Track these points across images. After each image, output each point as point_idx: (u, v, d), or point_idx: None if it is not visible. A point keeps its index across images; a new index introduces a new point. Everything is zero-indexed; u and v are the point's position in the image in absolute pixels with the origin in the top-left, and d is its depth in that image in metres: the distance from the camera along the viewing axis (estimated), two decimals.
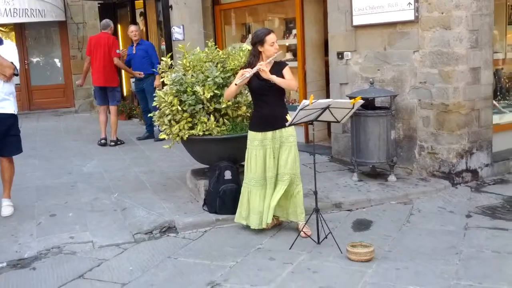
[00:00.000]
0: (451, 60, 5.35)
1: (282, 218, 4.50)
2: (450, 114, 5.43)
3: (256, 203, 4.31)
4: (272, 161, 4.27)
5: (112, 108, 8.42)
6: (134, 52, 8.50)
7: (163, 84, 5.20)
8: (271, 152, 4.27)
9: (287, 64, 4.40)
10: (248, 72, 4.20)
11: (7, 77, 4.75)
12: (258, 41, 4.25)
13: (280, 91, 4.30)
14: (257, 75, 4.22)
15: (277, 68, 4.28)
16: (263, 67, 4.13)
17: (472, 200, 5.11)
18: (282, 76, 4.23)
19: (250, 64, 4.29)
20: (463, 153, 5.52)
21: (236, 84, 4.28)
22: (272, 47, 4.22)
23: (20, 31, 12.48)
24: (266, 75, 4.13)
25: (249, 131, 4.39)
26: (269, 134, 4.26)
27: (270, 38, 4.22)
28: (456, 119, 5.44)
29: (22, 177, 6.06)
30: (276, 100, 4.30)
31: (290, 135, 4.27)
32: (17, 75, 4.87)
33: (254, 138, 4.31)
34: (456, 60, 5.34)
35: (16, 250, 4.14)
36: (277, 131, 4.25)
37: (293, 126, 4.25)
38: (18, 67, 4.85)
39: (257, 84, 4.27)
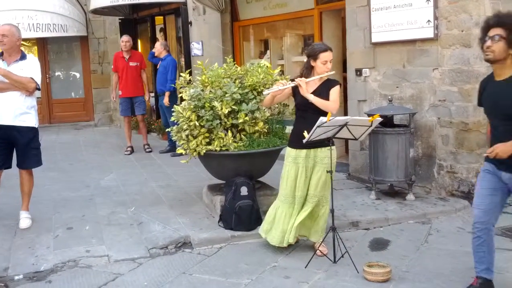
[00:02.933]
0: (471, 78, 5.30)
1: (302, 236, 4.42)
2: (470, 132, 5.36)
3: (281, 220, 4.23)
4: (303, 180, 4.16)
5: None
6: (158, 67, 8.72)
7: (181, 99, 5.23)
8: (303, 171, 4.15)
9: (338, 84, 4.20)
10: (283, 85, 4.14)
11: (29, 91, 4.84)
12: (311, 55, 4.11)
13: (321, 110, 4.09)
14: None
15: (326, 85, 4.13)
16: (302, 83, 4.02)
17: None
18: (328, 94, 4.10)
19: (301, 76, 4.15)
20: None
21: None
22: (324, 65, 4.07)
23: (43, 45, 12.74)
24: (302, 91, 4.03)
25: (287, 146, 4.34)
26: (303, 152, 4.13)
27: (324, 56, 4.06)
28: (476, 138, 5.36)
29: (41, 189, 6.11)
30: (316, 119, 4.02)
31: (325, 156, 4.12)
32: (39, 89, 4.95)
33: (288, 154, 4.23)
34: (476, 78, 5.27)
35: (32, 263, 4.17)
36: (312, 150, 4.12)
37: (333, 148, 4.13)
38: (39, 81, 4.93)
39: (299, 99, 4.17)
